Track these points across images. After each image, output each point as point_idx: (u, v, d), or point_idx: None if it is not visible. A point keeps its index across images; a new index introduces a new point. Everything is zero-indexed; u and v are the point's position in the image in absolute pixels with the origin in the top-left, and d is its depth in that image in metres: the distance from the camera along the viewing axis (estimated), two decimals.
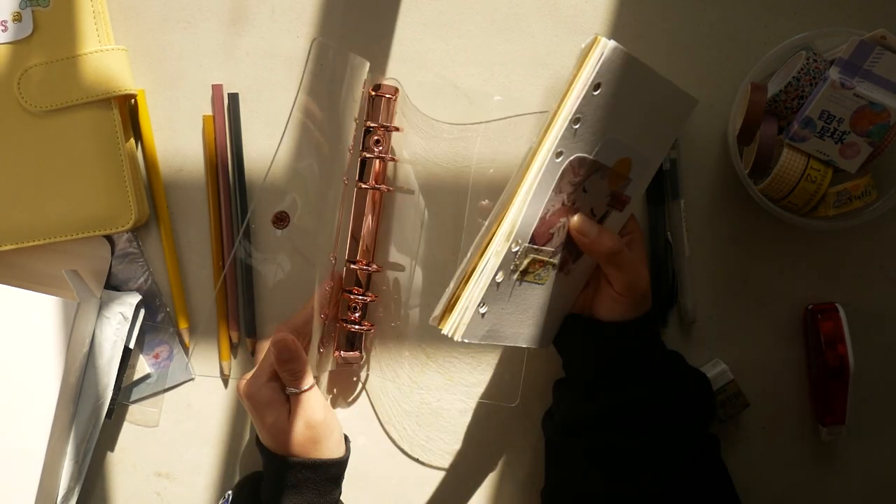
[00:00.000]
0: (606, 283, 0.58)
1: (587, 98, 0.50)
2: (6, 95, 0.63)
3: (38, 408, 0.63)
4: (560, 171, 0.52)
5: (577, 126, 0.51)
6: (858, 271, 0.66)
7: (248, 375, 0.61)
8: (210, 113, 0.67)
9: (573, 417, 0.59)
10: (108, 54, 0.64)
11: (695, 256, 0.66)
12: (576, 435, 0.59)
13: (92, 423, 0.66)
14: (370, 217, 0.65)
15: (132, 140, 0.67)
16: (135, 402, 0.68)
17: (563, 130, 0.50)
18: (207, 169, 0.67)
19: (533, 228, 0.53)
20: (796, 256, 0.66)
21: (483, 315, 0.52)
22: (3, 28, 0.63)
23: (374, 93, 0.64)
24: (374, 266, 0.65)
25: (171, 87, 0.67)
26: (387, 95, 0.64)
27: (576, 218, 0.56)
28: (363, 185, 0.64)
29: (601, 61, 0.50)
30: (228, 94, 0.67)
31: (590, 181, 0.55)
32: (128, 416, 0.68)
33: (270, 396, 0.59)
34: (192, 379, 0.68)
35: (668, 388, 0.57)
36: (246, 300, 0.67)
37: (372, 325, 0.66)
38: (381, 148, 0.64)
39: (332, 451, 0.60)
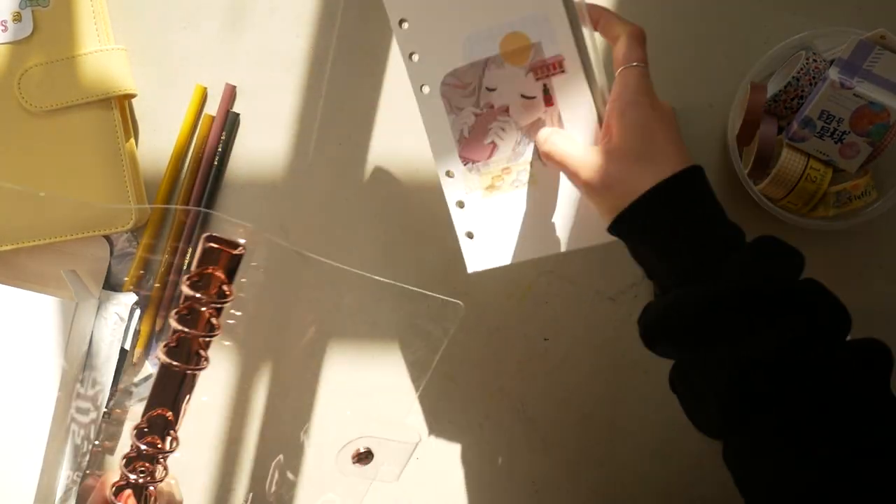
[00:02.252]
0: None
1: (401, 34, 0.53)
2: (6, 95, 0.63)
3: (37, 408, 0.63)
4: (438, 98, 0.54)
5: (414, 58, 0.53)
6: (859, 271, 0.65)
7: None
8: (209, 111, 0.67)
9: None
10: (107, 54, 0.64)
11: None
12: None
13: (90, 423, 0.66)
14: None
15: (132, 140, 0.67)
16: (135, 403, 0.68)
17: (407, 69, 0.53)
18: (190, 166, 0.67)
19: (456, 153, 0.54)
20: None
21: (472, 239, 0.56)
22: (3, 28, 0.63)
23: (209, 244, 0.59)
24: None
25: (171, 87, 0.67)
26: (227, 249, 0.59)
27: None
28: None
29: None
30: (230, 111, 0.67)
31: (487, 78, 0.54)
32: (129, 416, 0.68)
33: None
34: None
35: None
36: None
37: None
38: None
39: None
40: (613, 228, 0.49)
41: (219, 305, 0.59)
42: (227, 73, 0.67)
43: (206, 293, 0.58)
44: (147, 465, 0.59)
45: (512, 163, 0.54)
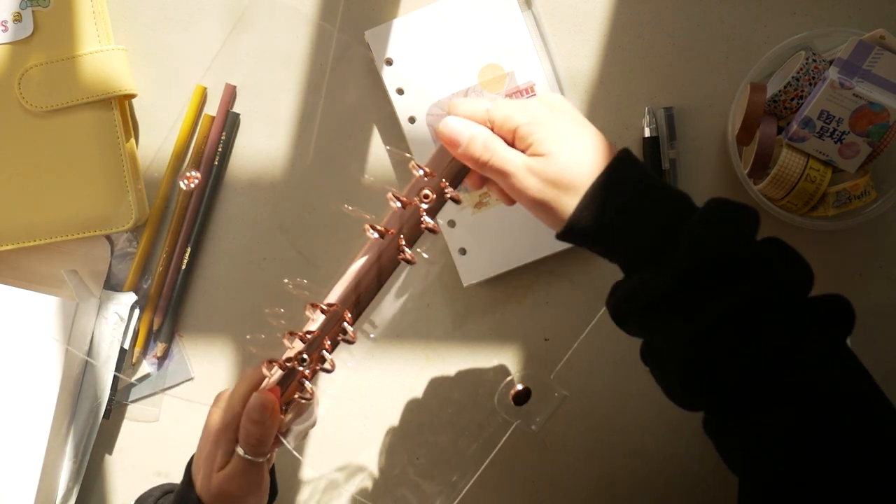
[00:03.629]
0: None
1: (387, 72, 0.63)
2: (7, 95, 0.64)
3: (38, 407, 0.63)
4: (425, 126, 0.62)
5: (401, 93, 0.63)
6: (858, 271, 0.65)
7: (223, 399, 0.55)
8: (209, 112, 0.67)
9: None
10: (107, 54, 0.64)
11: None
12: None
13: (90, 422, 0.66)
14: (376, 278, 0.53)
15: (132, 140, 0.67)
16: (134, 401, 0.68)
17: (394, 104, 0.63)
18: (190, 166, 0.67)
19: None
20: None
21: (465, 255, 0.62)
22: (3, 28, 0.63)
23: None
24: (352, 333, 0.53)
25: (171, 87, 0.67)
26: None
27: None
28: (402, 244, 0.51)
29: None
30: (230, 111, 0.67)
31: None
32: (127, 415, 0.68)
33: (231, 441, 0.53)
34: (191, 378, 0.68)
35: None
36: (179, 293, 0.67)
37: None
38: (427, 206, 0.51)
39: None
40: (562, 238, 0.49)
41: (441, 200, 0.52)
42: (228, 74, 0.67)
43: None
44: (313, 357, 0.53)
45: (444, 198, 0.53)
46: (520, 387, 0.62)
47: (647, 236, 0.46)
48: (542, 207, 0.48)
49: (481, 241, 0.62)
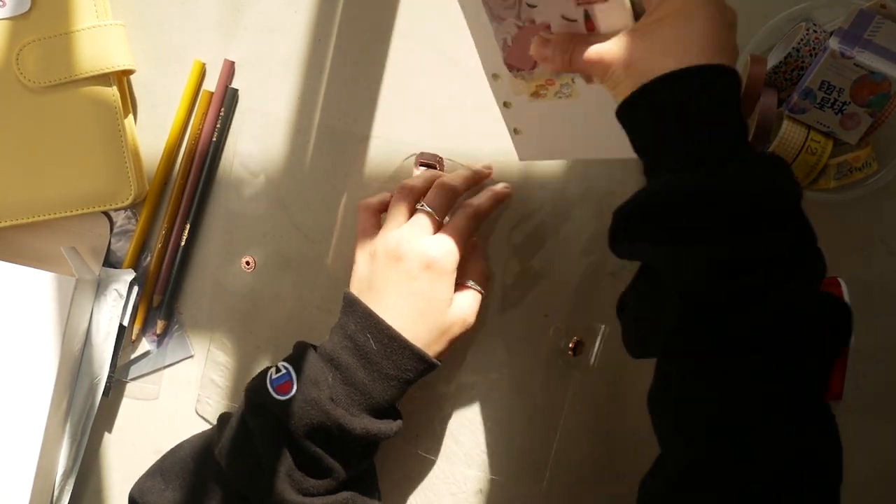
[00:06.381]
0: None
1: None
2: (5, 71, 0.63)
3: (37, 385, 0.63)
4: (480, 4, 0.50)
5: None
6: (859, 244, 0.65)
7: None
8: (208, 87, 0.67)
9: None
10: (105, 29, 0.64)
11: None
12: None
13: (89, 400, 0.66)
14: None
15: (131, 116, 0.66)
16: (134, 379, 0.68)
17: None
18: (189, 142, 0.67)
19: (502, 60, 0.52)
20: None
21: (519, 134, 0.57)
22: (1, 4, 0.63)
23: None
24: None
25: (169, 62, 0.67)
26: None
27: (532, 46, 0.50)
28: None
29: None
30: (229, 87, 0.66)
31: None
32: (127, 393, 0.68)
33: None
34: (191, 356, 0.68)
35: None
36: (179, 270, 0.67)
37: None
38: None
39: (439, 355, 0.58)
40: (625, 109, 0.46)
41: None
42: (226, 49, 0.67)
43: None
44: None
45: (555, 76, 0.53)
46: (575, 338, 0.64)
47: (707, 144, 0.44)
48: (621, 70, 0.46)
49: (537, 126, 0.57)
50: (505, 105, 0.57)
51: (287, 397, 0.55)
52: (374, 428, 0.56)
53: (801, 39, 0.60)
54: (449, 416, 0.66)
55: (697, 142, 0.44)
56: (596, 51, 0.47)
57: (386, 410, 0.57)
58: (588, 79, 0.52)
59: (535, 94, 0.54)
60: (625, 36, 0.46)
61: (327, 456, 0.55)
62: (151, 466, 0.61)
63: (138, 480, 0.60)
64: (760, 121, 0.61)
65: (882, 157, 0.61)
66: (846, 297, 0.63)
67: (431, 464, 0.66)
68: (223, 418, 0.60)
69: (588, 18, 0.49)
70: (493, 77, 0.54)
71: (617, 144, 0.52)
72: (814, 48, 0.59)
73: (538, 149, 0.60)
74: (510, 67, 0.52)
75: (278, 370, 0.56)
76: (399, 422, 0.58)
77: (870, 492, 0.66)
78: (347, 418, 0.54)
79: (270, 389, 0.55)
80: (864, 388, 0.65)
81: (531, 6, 0.49)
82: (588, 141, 0.56)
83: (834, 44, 0.58)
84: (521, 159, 0.61)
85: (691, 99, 0.44)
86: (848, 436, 0.65)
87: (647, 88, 0.44)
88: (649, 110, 0.45)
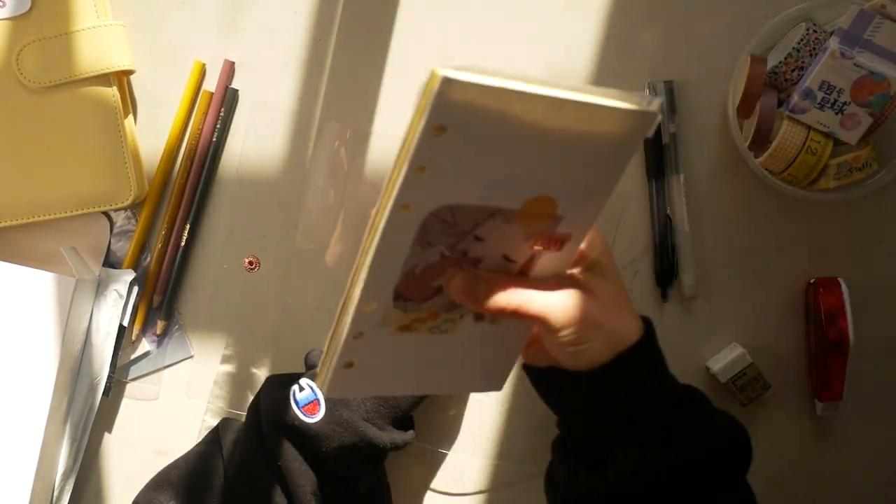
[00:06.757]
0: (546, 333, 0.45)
1: (427, 143, 0.38)
2: (5, 72, 0.63)
3: (37, 386, 0.63)
4: (417, 225, 0.42)
5: (425, 174, 0.40)
6: (860, 245, 0.65)
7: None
8: (208, 88, 0.67)
9: (577, 493, 0.47)
10: (105, 30, 0.64)
11: (695, 231, 0.65)
12: None
13: (89, 401, 0.66)
14: None
15: (131, 116, 0.66)
16: (134, 379, 0.68)
17: (401, 180, 0.39)
18: (189, 143, 0.67)
19: (392, 286, 0.44)
20: (797, 230, 0.65)
21: (349, 368, 0.45)
22: (1, 4, 0.63)
23: None
24: None
25: (169, 62, 0.67)
26: None
27: (455, 279, 0.44)
28: None
29: (433, 99, 0.38)
30: (229, 88, 0.66)
31: (485, 228, 0.44)
32: (127, 393, 0.68)
33: None
34: (191, 356, 0.68)
35: (697, 447, 0.44)
36: (179, 270, 0.67)
37: None
38: None
39: None
40: (606, 372, 0.45)
41: None
42: (226, 49, 0.67)
43: None
44: None
45: (443, 311, 0.47)
46: None
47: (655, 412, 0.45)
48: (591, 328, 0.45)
49: (377, 361, 0.47)
50: (356, 336, 0.45)
51: (316, 419, 0.55)
52: (399, 439, 0.57)
53: (801, 39, 0.60)
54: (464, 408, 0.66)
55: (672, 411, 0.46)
56: (542, 304, 0.44)
57: (408, 419, 0.59)
58: (479, 317, 0.47)
59: (406, 328, 0.46)
60: (574, 294, 0.45)
61: (353, 478, 0.56)
62: (155, 477, 0.61)
63: (142, 491, 0.61)
64: (760, 121, 0.61)
65: (882, 157, 0.61)
66: (846, 298, 0.63)
67: (443, 457, 0.67)
68: (224, 425, 0.60)
69: (528, 263, 0.46)
70: (364, 307, 0.44)
71: (454, 381, 0.51)
72: (814, 48, 0.60)
73: (359, 385, 0.49)
74: (397, 297, 0.44)
75: (302, 388, 0.56)
76: (413, 430, 0.60)
77: (870, 492, 0.66)
78: (379, 435, 0.55)
79: (297, 410, 0.55)
80: (864, 388, 0.65)
81: (479, 239, 0.44)
82: (423, 378, 0.50)
83: (834, 44, 0.58)
84: (327, 395, 0.52)
85: (659, 363, 0.47)
86: (848, 436, 0.66)
87: (625, 357, 0.45)
88: (629, 375, 0.45)
